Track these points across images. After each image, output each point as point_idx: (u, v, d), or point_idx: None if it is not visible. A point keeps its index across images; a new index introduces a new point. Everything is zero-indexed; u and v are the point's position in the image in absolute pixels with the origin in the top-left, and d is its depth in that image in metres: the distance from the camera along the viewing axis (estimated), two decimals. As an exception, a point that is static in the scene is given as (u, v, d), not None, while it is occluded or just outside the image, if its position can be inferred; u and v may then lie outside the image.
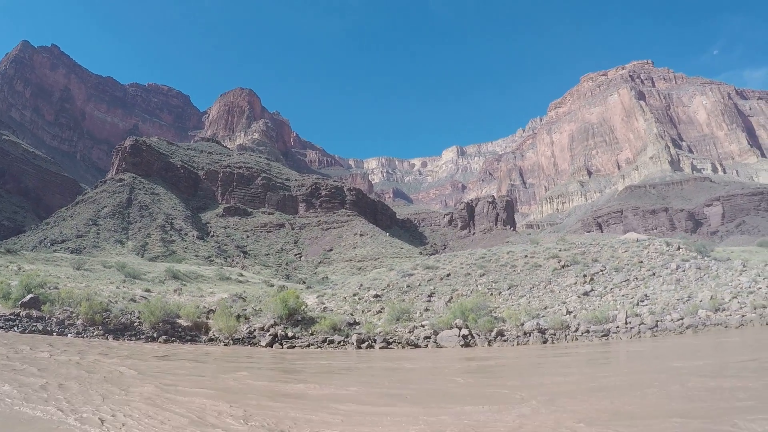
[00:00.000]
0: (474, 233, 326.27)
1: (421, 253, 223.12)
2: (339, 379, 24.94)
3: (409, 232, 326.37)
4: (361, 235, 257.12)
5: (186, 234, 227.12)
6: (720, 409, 14.32)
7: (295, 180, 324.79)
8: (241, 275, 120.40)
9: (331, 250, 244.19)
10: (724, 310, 40.97)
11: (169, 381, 21.86)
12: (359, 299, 54.88)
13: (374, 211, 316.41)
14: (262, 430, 14.42)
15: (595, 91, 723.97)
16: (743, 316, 39.45)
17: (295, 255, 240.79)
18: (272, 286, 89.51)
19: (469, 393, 19.94)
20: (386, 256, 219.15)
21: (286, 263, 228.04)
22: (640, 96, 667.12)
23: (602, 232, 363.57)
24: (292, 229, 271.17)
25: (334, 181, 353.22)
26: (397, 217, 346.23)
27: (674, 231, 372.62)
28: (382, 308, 48.94)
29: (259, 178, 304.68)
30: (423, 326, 42.24)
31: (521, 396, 18.07)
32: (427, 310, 47.98)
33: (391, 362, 31.58)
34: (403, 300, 52.48)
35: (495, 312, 44.14)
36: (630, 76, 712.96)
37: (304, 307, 47.36)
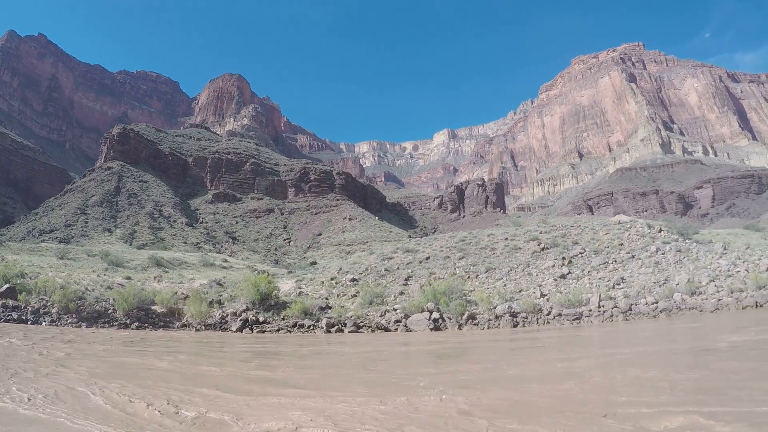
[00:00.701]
0: (464, 216, 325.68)
1: (410, 236, 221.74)
2: (255, 362, 24.43)
3: (399, 215, 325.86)
4: (350, 219, 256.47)
5: (175, 221, 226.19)
6: (611, 403, 13.57)
7: (285, 165, 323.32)
8: (226, 261, 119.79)
9: (320, 234, 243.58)
10: (700, 293, 40.47)
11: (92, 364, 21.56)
12: (336, 283, 54.40)
13: (364, 195, 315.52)
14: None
15: (586, 73, 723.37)
16: (719, 300, 38.94)
17: (285, 240, 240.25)
18: (255, 271, 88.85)
19: (371, 380, 19.15)
20: (375, 240, 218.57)
21: (275, 248, 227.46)
22: (632, 78, 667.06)
23: (593, 214, 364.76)
24: (282, 214, 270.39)
25: (324, 165, 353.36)
26: (387, 200, 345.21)
27: (665, 213, 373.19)
28: (358, 292, 48.46)
29: (248, 164, 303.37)
30: (395, 310, 41.86)
31: (423, 384, 17.36)
32: (402, 293, 47.57)
33: (334, 346, 31.23)
34: (380, 284, 52.06)
35: (468, 295, 43.70)
36: (621, 58, 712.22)
37: (276, 291, 46.98)
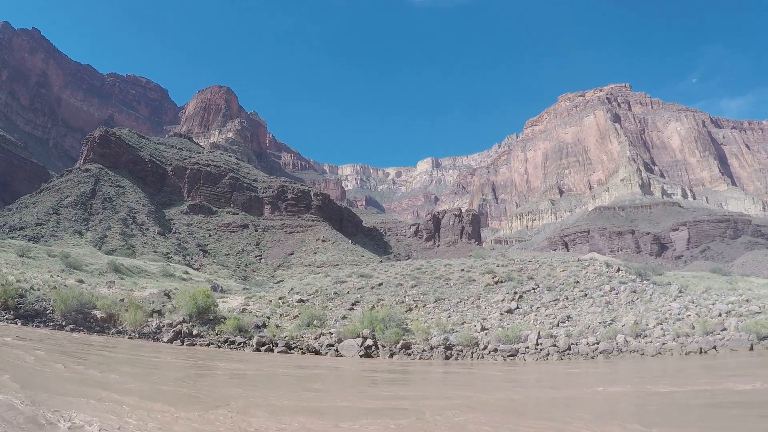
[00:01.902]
0: (438, 245, 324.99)
1: (381, 261, 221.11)
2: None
3: (374, 240, 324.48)
4: (323, 240, 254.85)
5: (147, 229, 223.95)
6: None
7: (263, 182, 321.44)
8: (187, 273, 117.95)
9: (292, 254, 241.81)
10: (645, 336, 39.66)
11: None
12: (283, 303, 54.22)
13: (340, 217, 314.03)
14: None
15: (572, 111, 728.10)
16: (664, 344, 38.12)
17: (256, 257, 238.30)
18: (213, 285, 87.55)
19: (180, 393, 19.69)
20: (346, 263, 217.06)
21: (246, 265, 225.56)
22: (616, 118, 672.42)
23: (568, 251, 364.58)
24: (256, 230, 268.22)
25: (303, 185, 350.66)
26: (364, 225, 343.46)
27: (639, 253, 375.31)
28: (300, 313, 47.53)
29: (227, 177, 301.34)
30: (330, 334, 41.52)
31: (219, 405, 17.54)
32: (344, 318, 47.08)
33: (222, 362, 31.51)
34: (326, 306, 51.86)
35: (408, 324, 42.80)
36: (607, 98, 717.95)
37: (214, 306, 46.73)
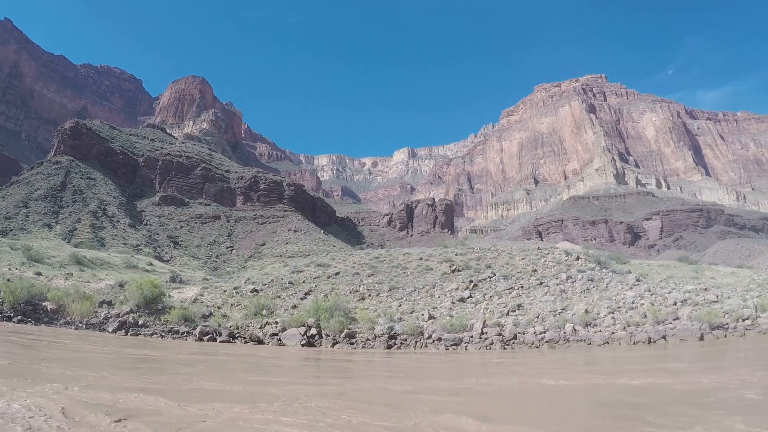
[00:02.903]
0: (412, 235, 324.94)
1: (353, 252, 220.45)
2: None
3: (348, 230, 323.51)
4: (295, 231, 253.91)
5: (118, 221, 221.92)
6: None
7: (236, 172, 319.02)
8: (151, 264, 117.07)
9: (264, 244, 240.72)
10: (595, 325, 39.14)
11: None
12: (237, 293, 53.65)
13: (313, 207, 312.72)
14: None
15: (548, 101, 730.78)
16: (613, 333, 37.61)
17: (227, 248, 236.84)
18: (173, 276, 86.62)
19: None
20: (317, 253, 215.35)
21: (217, 256, 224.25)
22: (591, 109, 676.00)
23: (542, 240, 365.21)
24: (228, 221, 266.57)
25: (275, 175, 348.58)
26: (337, 215, 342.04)
27: (613, 243, 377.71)
28: (248, 303, 47.07)
29: (199, 168, 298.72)
30: (276, 323, 40.95)
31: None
32: (295, 307, 46.64)
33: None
34: (279, 296, 51.61)
35: (355, 313, 42.25)
36: (583, 89, 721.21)
37: (162, 296, 46.73)
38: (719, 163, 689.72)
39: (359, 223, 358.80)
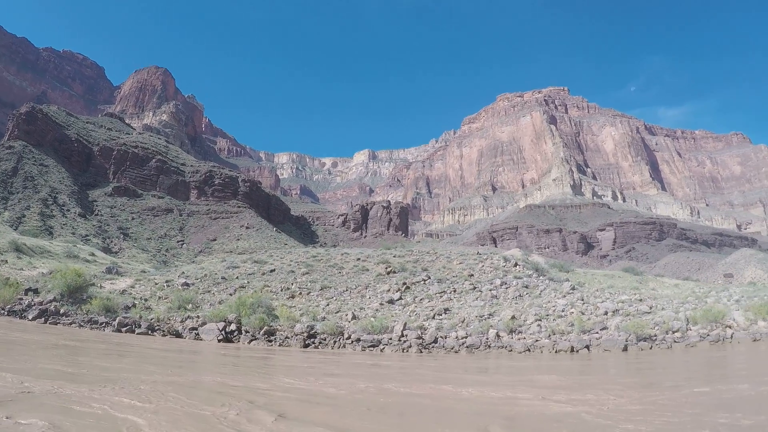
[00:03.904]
0: (366, 236, 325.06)
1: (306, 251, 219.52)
2: None
3: (302, 229, 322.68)
4: (247, 227, 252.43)
5: (68, 210, 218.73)
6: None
7: (191, 166, 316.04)
8: (93, 254, 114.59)
9: (215, 240, 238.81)
10: (520, 332, 38.82)
11: None
12: (168, 286, 53.22)
13: (267, 204, 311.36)
14: None
15: (510, 110, 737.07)
16: (537, 341, 37.23)
17: (178, 242, 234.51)
18: (109, 266, 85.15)
19: None
20: (268, 250, 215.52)
21: (167, 249, 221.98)
22: (552, 120, 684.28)
23: (496, 246, 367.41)
24: (180, 215, 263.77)
25: (230, 170, 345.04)
26: (292, 213, 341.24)
27: (566, 251, 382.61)
28: (173, 296, 46.71)
29: (154, 160, 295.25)
30: (197, 317, 40.45)
31: None
32: (221, 302, 46.21)
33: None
34: (209, 291, 51.22)
35: (278, 311, 41.69)
36: (545, 100, 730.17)
37: (87, 286, 46.34)
38: (675, 179, 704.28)
39: (314, 222, 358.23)
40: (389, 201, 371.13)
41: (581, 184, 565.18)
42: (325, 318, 40.71)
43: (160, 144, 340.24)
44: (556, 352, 35.60)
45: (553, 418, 14.77)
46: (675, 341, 38.00)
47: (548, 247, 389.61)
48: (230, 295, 48.65)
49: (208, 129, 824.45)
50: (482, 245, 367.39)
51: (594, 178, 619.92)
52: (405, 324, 37.78)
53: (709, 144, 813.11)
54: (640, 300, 49.84)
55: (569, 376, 25.83)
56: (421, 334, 36.88)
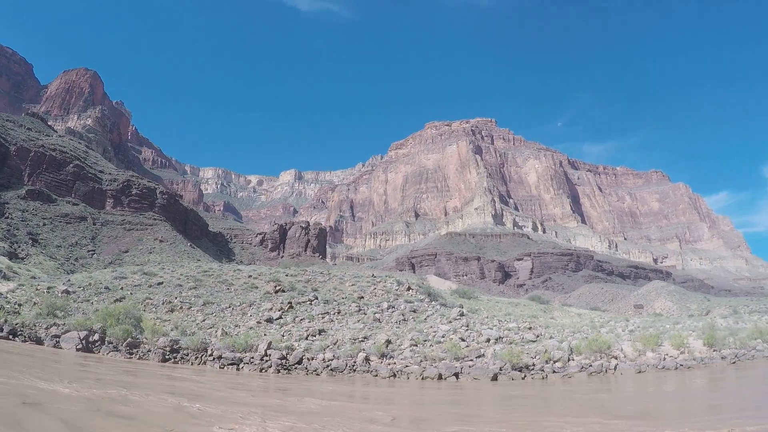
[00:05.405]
0: (283, 256, 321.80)
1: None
2: None
3: (219, 246, 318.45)
4: (161, 241, 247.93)
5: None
6: None
7: (109, 174, 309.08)
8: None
9: (127, 251, 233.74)
10: (392, 357, 38.82)
11: None
12: (48, 292, 51.66)
13: (185, 219, 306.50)
14: None
15: (437, 138, 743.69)
16: (406, 366, 37.32)
17: (89, 251, 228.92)
18: (2, 269, 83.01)
19: None
20: (161, 263, 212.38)
21: (76, 258, 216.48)
22: (478, 150, 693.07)
23: (414, 272, 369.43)
24: (94, 224, 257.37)
25: (149, 181, 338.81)
26: (210, 229, 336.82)
27: (483, 279, 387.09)
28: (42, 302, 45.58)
29: (72, 165, 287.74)
30: (64, 324, 39.48)
31: None
32: (96, 311, 44.54)
33: None
34: (88, 300, 50.02)
35: (151, 323, 41.09)
36: (472, 130, 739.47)
37: None
38: (595, 213, 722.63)
39: (232, 239, 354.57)
40: (308, 222, 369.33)
41: (503, 214, 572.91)
42: (194, 333, 40.16)
43: (79, 149, 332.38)
44: (423, 378, 35.59)
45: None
46: (554, 371, 38.11)
47: (466, 275, 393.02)
48: (109, 305, 47.78)
49: (134, 137, 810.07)
50: (400, 270, 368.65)
51: (516, 208, 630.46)
52: (270, 343, 37.53)
53: (630, 180, 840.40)
54: (529, 328, 50.49)
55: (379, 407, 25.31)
56: (286, 354, 36.67)
